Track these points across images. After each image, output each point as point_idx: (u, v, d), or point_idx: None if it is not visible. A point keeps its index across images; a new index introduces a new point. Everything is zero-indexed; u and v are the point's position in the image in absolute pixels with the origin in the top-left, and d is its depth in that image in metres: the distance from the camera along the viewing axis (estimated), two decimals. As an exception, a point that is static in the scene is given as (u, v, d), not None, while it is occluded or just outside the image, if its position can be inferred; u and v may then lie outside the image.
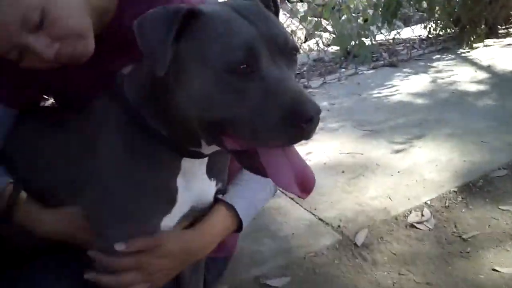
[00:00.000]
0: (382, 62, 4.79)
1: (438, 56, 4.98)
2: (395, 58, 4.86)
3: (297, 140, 1.06)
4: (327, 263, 2.18)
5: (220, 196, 1.54)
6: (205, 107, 1.11)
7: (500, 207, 2.54)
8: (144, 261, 1.37)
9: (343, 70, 4.61)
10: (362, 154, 3.11)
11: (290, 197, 2.63)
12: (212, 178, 1.46)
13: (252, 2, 1.21)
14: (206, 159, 1.37)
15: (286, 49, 1.12)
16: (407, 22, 6.49)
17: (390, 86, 4.22)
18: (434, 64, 4.75)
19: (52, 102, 1.87)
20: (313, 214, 2.50)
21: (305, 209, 2.54)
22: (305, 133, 1.04)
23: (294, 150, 1.18)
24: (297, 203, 2.59)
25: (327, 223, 2.43)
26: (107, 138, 1.34)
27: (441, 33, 5.52)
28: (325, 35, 5.91)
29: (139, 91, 1.29)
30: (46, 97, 1.83)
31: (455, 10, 5.28)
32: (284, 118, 1.02)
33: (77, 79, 1.58)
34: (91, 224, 1.41)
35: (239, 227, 1.60)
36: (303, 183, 1.14)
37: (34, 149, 1.55)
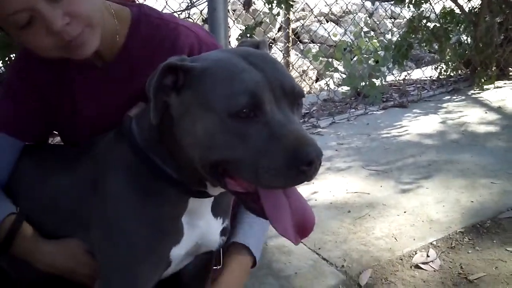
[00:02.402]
0: (392, 102, 4.81)
1: (449, 97, 4.98)
2: (405, 98, 4.88)
3: (298, 182, 1.08)
4: (329, 303, 2.16)
5: (234, 239, 1.62)
6: (208, 149, 1.14)
7: (507, 249, 2.50)
8: None
9: (353, 110, 4.64)
10: (369, 194, 3.09)
11: (294, 236, 2.61)
12: (218, 217, 1.47)
13: (260, 51, 1.25)
14: (212, 198, 1.39)
15: (291, 95, 1.15)
16: (419, 63, 6.54)
17: (399, 126, 4.22)
18: (444, 105, 4.75)
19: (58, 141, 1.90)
20: (317, 254, 2.48)
21: (309, 248, 2.53)
22: (306, 176, 1.06)
23: (295, 192, 1.19)
24: (301, 242, 2.56)
25: (331, 263, 2.41)
26: (115, 177, 1.37)
27: (451, 74, 5.54)
28: (336, 75, 5.96)
29: (146, 134, 1.32)
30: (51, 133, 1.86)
31: (466, 52, 5.32)
32: (285, 161, 1.04)
33: (85, 110, 1.62)
34: (100, 265, 1.42)
35: (253, 264, 1.68)
36: (301, 227, 1.15)
37: (39, 185, 1.57)
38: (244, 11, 5.62)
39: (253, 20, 4.69)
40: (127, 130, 1.38)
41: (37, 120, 1.66)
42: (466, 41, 5.34)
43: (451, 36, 4.98)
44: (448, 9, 4.92)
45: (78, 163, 1.51)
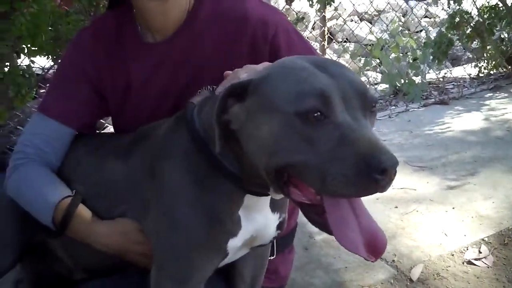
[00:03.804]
0: (432, 100, 4.74)
1: (491, 94, 4.90)
2: (446, 96, 4.80)
3: (369, 192, 0.99)
4: (381, 298, 2.12)
5: None
6: (273, 154, 1.08)
7: (562, 245, 2.44)
8: None
9: (393, 107, 4.58)
10: (415, 189, 3.04)
11: (342, 231, 2.59)
12: (275, 212, 1.44)
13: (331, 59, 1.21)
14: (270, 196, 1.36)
15: (363, 100, 1.08)
16: (455, 62, 6.44)
17: (441, 123, 4.16)
18: (487, 102, 4.67)
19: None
20: (366, 248, 2.44)
21: (358, 243, 2.49)
22: (379, 185, 0.97)
23: (364, 209, 1.11)
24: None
25: (381, 258, 2.37)
26: (173, 164, 1.34)
27: (491, 72, 5.45)
28: (372, 74, 5.89)
29: (208, 127, 1.29)
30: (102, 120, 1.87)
31: (508, 48, 5.22)
32: (357, 167, 0.97)
33: (141, 94, 1.62)
34: (154, 252, 1.41)
35: None
36: (372, 246, 1.07)
37: (94, 171, 1.57)
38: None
39: (289, 18, 4.67)
40: (189, 117, 1.36)
41: (90, 109, 1.66)
42: (508, 38, 5.24)
43: (494, 31, 4.88)
44: (491, 5, 4.82)
45: (134, 148, 1.49)
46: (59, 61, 1.79)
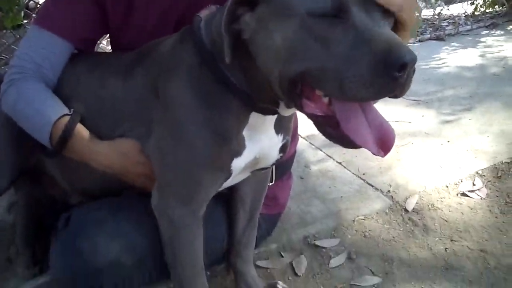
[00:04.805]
0: (428, 35, 4.67)
1: (487, 31, 4.85)
2: (442, 32, 4.74)
3: (388, 92, 0.95)
4: (377, 227, 2.13)
5: None
6: (287, 62, 1.04)
7: (555, 179, 2.45)
8: None
9: (388, 42, 4.53)
10: (410, 123, 3.03)
11: (337, 162, 2.58)
12: (279, 133, 1.41)
13: None
14: (275, 115, 1.32)
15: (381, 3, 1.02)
16: (448, 2, 6.36)
17: (437, 58, 4.12)
18: (483, 39, 4.62)
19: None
20: (362, 179, 2.44)
21: (353, 173, 2.49)
22: (398, 83, 0.93)
23: (375, 110, 1.08)
24: (345, 167, 2.54)
25: (376, 188, 2.37)
26: (177, 79, 1.29)
27: (487, 11, 5.39)
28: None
29: (216, 41, 1.23)
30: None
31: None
32: (375, 66, 0.92)
33: (144, 17, 1.56)
34: (155, 172, 1.38)
35: None
36: (382, 142, 1.04)
37: (95, 89, 1.51)
38: None
39: None
40: (196, 30, 1.30)
41: (90, 22, 1.59)
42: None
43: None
44: None
45: (137, 64, 1.44)
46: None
